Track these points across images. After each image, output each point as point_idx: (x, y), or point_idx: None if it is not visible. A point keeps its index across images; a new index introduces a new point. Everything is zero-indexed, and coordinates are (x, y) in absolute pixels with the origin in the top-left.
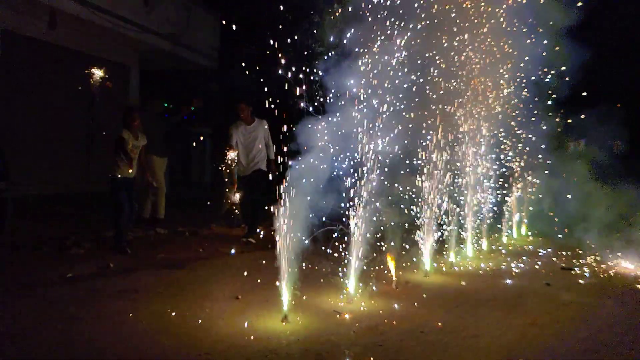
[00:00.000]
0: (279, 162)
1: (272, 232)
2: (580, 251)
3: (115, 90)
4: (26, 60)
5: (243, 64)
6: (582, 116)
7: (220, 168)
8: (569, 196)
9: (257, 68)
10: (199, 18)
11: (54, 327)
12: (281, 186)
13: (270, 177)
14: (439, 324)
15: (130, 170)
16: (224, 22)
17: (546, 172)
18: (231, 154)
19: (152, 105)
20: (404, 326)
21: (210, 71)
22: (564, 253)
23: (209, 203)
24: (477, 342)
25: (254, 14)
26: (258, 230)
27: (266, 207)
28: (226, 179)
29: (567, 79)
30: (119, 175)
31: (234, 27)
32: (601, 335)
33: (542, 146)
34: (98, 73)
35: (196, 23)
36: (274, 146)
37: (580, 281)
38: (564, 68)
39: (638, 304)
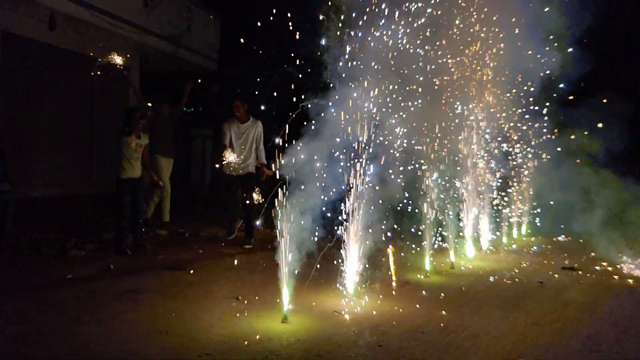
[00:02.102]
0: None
1: (273, 233)
2: (580, 250)
3: (115, 91)
4: (26, 61)
5: (244, 63)
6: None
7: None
8: (568, 196)
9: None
10: (199, 19)
11: (54, 328)
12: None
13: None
14: (440, 324)
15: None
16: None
17: (546, 172)
18: (226, 154)
19: (160, 108)
20: (405, 326)
21: (211, 72)
22: (564, 252)
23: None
24: (477, 342)
25: (255, 14)
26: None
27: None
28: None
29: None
30: (123, 177)
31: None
32: (602, 335)
33: (545, 142)
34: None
35: (196, 24)
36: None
37: (581, 281)
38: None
39: (638, 303)
